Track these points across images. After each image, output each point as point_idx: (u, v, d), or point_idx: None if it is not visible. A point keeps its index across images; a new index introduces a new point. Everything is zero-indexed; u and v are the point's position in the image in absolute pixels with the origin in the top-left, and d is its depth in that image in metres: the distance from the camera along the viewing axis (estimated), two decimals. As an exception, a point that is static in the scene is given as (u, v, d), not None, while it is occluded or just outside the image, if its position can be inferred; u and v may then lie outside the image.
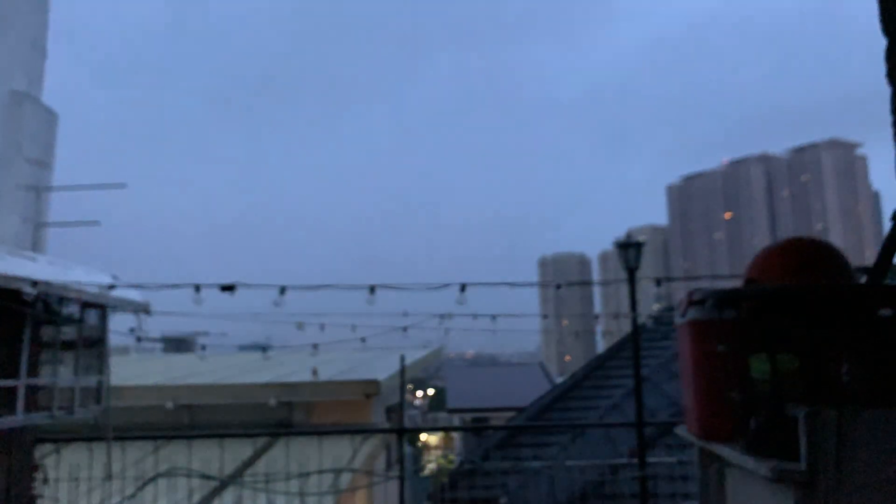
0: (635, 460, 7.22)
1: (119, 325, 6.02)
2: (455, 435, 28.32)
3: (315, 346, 7.36)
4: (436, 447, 34.28)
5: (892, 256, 1.83)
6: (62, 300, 5.23)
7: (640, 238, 7.96)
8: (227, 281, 5.26)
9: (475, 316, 5.82)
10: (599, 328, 8.28)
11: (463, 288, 5.31)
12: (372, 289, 5.29)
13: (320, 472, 6.22)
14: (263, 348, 7.85)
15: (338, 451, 7.92)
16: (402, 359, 7.29)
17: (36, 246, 5.62)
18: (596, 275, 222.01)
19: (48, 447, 6.08)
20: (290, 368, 11.19)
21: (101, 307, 5.66)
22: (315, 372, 9.70)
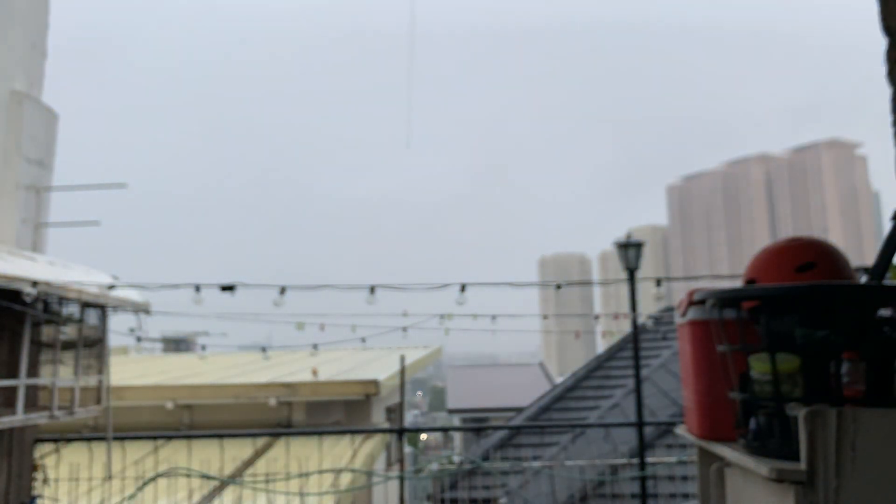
0: (636, 460, 7.22)
1: (119, 325, 6.03)
2: (455, 435, 28.30)
3: (315, 346, 7.36)
4: (435, 447, 34.28)
5: (892, 256, 1.83)
6: (62, 300, 5.23)
7: (640, 238, 7.96)
8: (227, 281, 5.27)
9: (475, 316, 5.82)
10: (598, 329, 8.27)
11: (463, 288, 5.31)
12: (372, 289, 5.29)
13: (320, 472, 6.22)
14: (263, 348, 7.84)
15: (338, 451, 7.92)
16: (402, 359, 7.29)
17: (36, 246, 5.61)
18: (596, 275, 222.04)
19: (48, 447, 6.08)
20: (290, 368, 11.19)
21: (101, 307, 5.66)
22: (315, 372, 9.70)
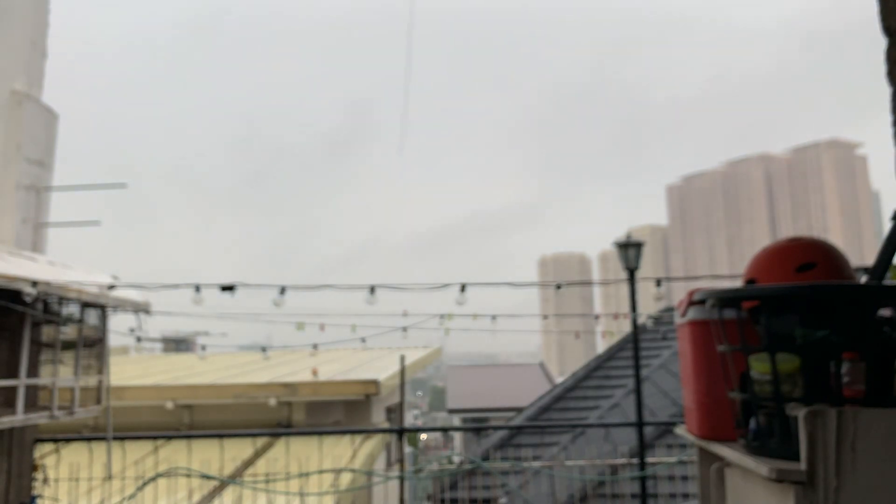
0: (636, 460, 7.22)
1: (119, 325, 6.03)
2: (454, 435, 28.31)
3: (315, 346, 7.36)
4: (435, 447, 34.29)
5: (892, 256, 1.83)
6: (62, 300, 5.23)
7: (640, 238, 7.95)
8: (227, 281, 5.27)
9: (475, 316, 5.82)
10: (598, 329, 8.27)
11: (463, 288, 5.31)
12: (372, 289, 5.29)
13: (320, 472, 6.22)
14: (263, 348, 7.85)
15: (338, 451, 7.92)
16: (402, 359, 7.29)
17: (36, 246, 5.61)
18: (596, 275, 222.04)
19: (48, 447, 6.08)
20: (290, 368, 11.19)
21: (101, 307, 5.66)
22: (315, 372, 9.70)
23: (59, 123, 6.01)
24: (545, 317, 7.49)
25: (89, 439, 6.33)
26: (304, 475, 5.98)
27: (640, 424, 6.84)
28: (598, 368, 13.28)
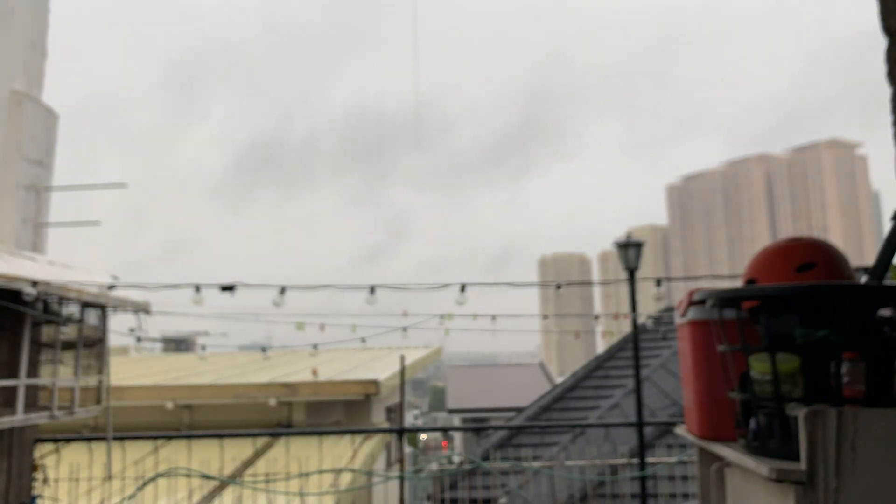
0: (636, 460, 7.22)
1: (119, 325, 6.03)
2: (455, 435, 28.31)
3: (315, 346, 7.37)
4: (435, 448, 34.30)
5: (892, 256, 1.83)
6: (62, 300, 5.23)
7: (640, 238, 7.96)
8: (227, 281, 5.27)
9: (475, 316, 5.82)
10: (598, 329, 8.28)
11: (463, 288, 5.31)
12: (372, 289, 5.29)
13: (320, 472, 6.22)
14: (263, 348, 7.87)
15: (338, 451, 7.92)
16: (402, 359, 7.29)
17: (36, 246, 5.61)
18: (596, 275, 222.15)
19: (48, 447, 6.08)
20: (290, 368, 11.19)
21: (101, 307, 5.66)
22: (315, 372, 9.70)
23: (58, 123, 6.01)
24: (545, 317, 7.49)
25: (89, 439, 6.33)
26: (304, 475, 5.98)
27: (640, 424, 6.84)
28: (598, 368, 13.27)
